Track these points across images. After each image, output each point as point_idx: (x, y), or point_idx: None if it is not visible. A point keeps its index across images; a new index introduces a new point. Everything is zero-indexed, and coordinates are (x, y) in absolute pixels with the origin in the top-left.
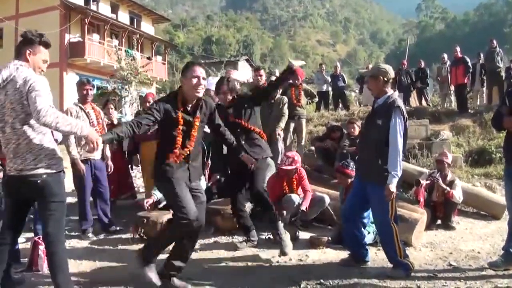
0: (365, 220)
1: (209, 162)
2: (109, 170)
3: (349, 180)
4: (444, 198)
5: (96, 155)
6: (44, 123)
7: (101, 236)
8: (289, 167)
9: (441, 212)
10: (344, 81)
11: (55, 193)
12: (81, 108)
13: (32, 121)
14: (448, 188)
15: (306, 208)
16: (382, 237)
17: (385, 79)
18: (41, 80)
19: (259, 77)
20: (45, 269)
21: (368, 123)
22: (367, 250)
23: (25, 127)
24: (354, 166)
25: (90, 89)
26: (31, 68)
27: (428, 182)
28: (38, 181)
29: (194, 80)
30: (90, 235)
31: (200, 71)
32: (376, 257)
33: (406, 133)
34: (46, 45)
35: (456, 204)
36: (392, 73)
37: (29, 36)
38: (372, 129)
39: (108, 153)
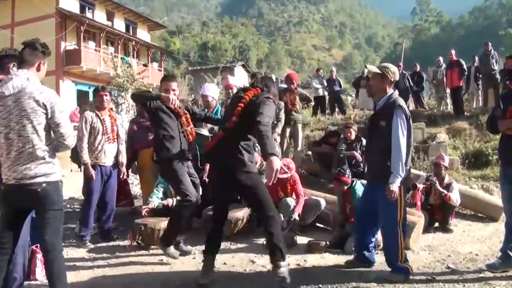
0: (376, 223)
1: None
2: (121, 176)
3: (345, 187)
4: (442, 201)
5: (107, 161)
6: (67, 145)
7: (99, 244)
8: (284, 175)
9: (439, 215)
10: (340, 86)
11: (54, 201)
12: (97, 115)
13: (41, 131)
14: (445, 191)
15: (298, 215)
16: (386, 240)
17: (392, 80)
18: (56, 94)
19: None
20: (42, 278)
21: (372, 126)
22: (372, 252)
23: (33, 136)
24: (350, 173)
25: (105, 95)
26: (39, 78)
27: (425, 185)
28: (38, 190)
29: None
30: (87, 243)
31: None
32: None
33: (411, 132)
34: (48, 55)
35: (453, 207)
36: (397, 76)
37: (40, 48)
38: (376, 132)
39: (124, 159)
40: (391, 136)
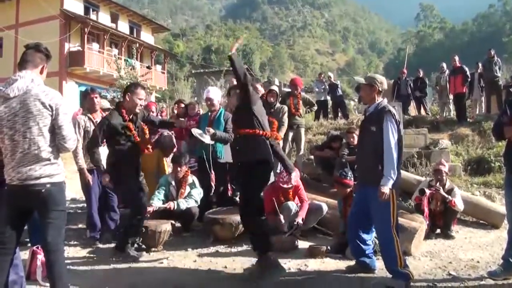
0: (369, 229)
1: (213, 173)
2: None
3: (348, 190)
4: (444, 207)
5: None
6: (67, 148)
7: (100, 245)
8: (285, 186)
9: (440, 221)
10: (337, 87)
11: (58, 202)
12: (89, 119)
13: (47, 133)
14: (450, 197)
15: (302, 219)
16: (383, 246)
17: (380, 89)
18: (61, 96)
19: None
20: (43, 278)
21: (363, 131)
22: (372, 258)
23: (39, 137)
24: (352, 176)
25: (96, 97)
26: (42, 80)
27: (431, 191)
28: (42, 191)
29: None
30: (97, 243)
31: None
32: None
33: (401, 137)
34: (49, 60)
35: (456, 213)
36: (385, 85)
37: (45, 52)
38: (367, 137)
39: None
40: (381, 140)
